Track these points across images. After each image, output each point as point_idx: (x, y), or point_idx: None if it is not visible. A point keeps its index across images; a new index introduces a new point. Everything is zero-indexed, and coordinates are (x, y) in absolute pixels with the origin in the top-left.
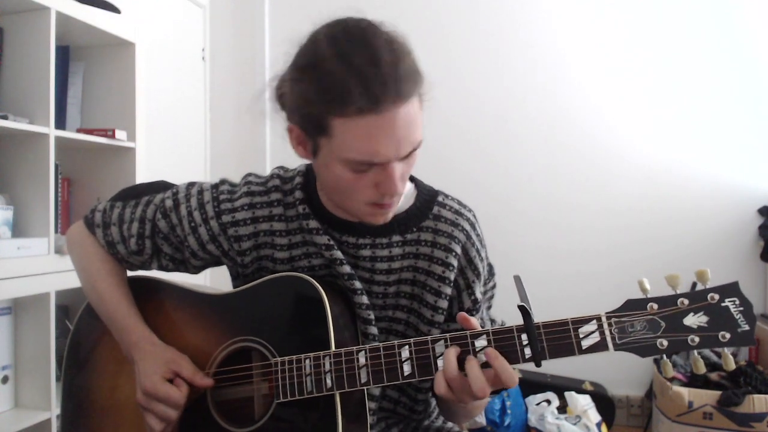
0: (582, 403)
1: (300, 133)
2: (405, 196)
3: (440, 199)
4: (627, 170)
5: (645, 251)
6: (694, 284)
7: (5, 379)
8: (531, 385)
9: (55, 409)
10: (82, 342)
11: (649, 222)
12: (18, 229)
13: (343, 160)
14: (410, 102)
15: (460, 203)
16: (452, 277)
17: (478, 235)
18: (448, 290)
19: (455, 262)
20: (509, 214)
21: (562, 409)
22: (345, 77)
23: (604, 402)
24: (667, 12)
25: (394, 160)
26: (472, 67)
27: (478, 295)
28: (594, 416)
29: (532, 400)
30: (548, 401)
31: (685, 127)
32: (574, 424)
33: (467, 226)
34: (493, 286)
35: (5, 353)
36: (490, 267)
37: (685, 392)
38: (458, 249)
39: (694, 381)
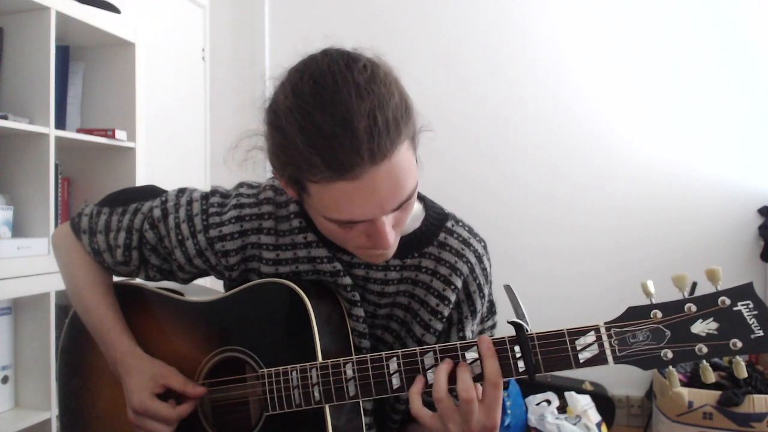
0: (582, 403)
1: (283, 181)
2: (411, 218)
3: (449, 224)
4: (627, 170)
5: (645, 251)
6: (694, 285)
7: (5, 379)
8: (531, 385)
9: (55, 409)
10: (74, 347)
11: (649, 222)
12: (18, 229)
13: (324, 217)
14: (394, 155)
15: (470, 231)
16: (446, 312)
17: (483, 270)
18: (439, 326)
19: (453, 297)
20: (509, 214)
21: (562, 409)
22: (306, 147)
23: (604, 402)
24: (668, 12)
25: (380, 216)
26: (472, 66)
27: (468, 334)
28: (594, 416)
29: (532, 400)
30: (548, 401)
31: (686, 127)
32: (574, 424)
33: (473, 259)
34: (492, 326)
35: (5, 353)
36: (491, 305)
37: (685, 392)
38: (459, 283)
39: (694, 381)
